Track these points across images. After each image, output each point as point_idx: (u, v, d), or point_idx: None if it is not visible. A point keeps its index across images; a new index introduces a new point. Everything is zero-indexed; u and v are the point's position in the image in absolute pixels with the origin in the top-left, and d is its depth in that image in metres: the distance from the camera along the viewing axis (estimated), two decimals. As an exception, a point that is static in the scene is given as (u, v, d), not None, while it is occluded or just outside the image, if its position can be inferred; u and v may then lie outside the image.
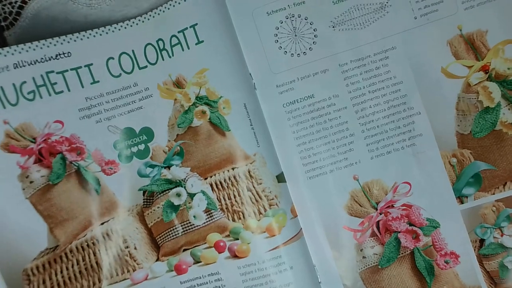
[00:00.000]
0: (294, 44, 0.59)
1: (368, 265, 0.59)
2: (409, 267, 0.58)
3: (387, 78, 0.58)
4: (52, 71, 0.55)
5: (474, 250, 0.58)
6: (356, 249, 0.59)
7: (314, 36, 0.58)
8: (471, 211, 0.58)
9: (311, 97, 0.59)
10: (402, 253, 0.58)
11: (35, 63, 0.54)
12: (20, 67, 0.54)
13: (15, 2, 0.55)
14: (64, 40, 0.55)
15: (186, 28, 0.59)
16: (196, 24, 0.59)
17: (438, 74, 0.57)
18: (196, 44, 0.60)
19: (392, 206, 0.59)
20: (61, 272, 0.56)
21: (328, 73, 0.58)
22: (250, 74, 0.59)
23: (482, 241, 0.58)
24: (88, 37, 0.56)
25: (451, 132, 0.57)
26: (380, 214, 0.59)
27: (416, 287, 0.58)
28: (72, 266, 0.56)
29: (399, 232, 0.58)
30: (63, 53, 0.55)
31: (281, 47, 0.59)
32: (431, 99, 0.57)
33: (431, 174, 0.58)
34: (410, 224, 0.58)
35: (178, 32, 0.59)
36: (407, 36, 0.57)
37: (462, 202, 0.58)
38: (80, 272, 0.56)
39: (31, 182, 0.55)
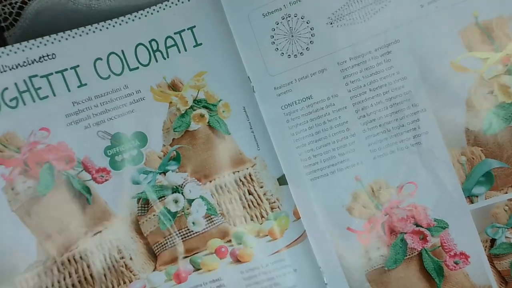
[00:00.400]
0: (290, 45, 0.49)
1: (374, 266, 0.51)
2: (417, 269, 0.51)
3: (390, 74, 0.48)
4: (36, 75, 0.47)
5: (485, 250, 0.50)
6: (361, 251, 0.52)
7: (311, 35, 0.49)
8: (481, 210, 0.50)
9: (309, 98, 0.49)
10: (410, 254, 0.51)
11: (16, 67, 0.46)
12: (1, 72, 0.46)
13: (15, 3, 0.50)
14: (47, 41, 0.47)
15: (184, 30, 0.51)
16: (194, 26, 0.52)
17: (447, 68, 0.48)
18: (194, 46, 0.51)
19: (397, 207, 0.51)
20: (53, 285, 0.48)
21: (326, 73, 0.49)
22: (248, 77, 0.47)
23: (493, 240, 0.51)
24: (73, 37, 0.48)
25: (460, 129, 0.48)
26: (385, 215, 0.51)
27: None
28: (65, 279, 0.49)
29: (405, 233, 0.51)
30: (47, 55, 0.47)
31: (277, 49, 0.49)
32: (438, 95, 0.48)
33: (438, 173, 0.50)
34: (417, 225, 0.51)
35: (174, 33, 0.50)
36: (412, 28, 0.47)
37: (472, 202, 0.50)
38: (73, 285, 0.49)
39: (17, 194, 0.47)
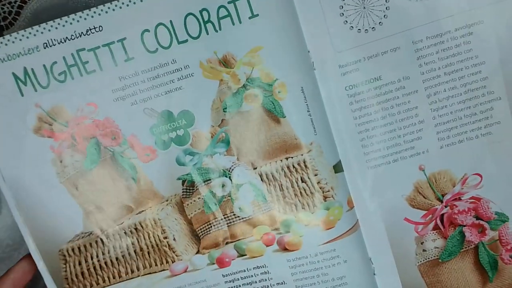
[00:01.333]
0: (362, 18, 0.41)
1: (428, 258, 0.47)
2: (471, 262, 0.47)
3: (468, 57, 0.42)
4: (83, 49, 0.43)
5: None
6: (416, 242, 0.47)
7: (386, 8, 0.41)
8: None
9: (378, 79, 0.43)
10: (466, 247, 0.46)
11: (65, 40, 0.43)
12: (50, 46, 0.43)
13: (15, 2, 0.47)
14: (95, 12, 0.42)
15: None
16: None
17: None
18: (250, 17, 0.43)
19: (459, 199, 0.46)
20: (97, 256, 0.48)
21: (399, 52, 0.42)
22: (308, 51, 0.41)
23: None
24: (120, 7, 0.42)
25: None
26: (446, 207, 0.46)
27: (477, 281, 0.47)
28: (109, 252, 0.48)
29: (465, 226, 0.46)
30: (94, 28, 0.42)
31: (346, 21, 0.42)
32: (517, 83, 0.41)
33: (506, 165, 0.44)
34: (477, 218, 0.46)
35: (228, 2, 0.41)
36: (502, 7, 0.40)
37: None
38: (117, 258, 0.48)
39: (65, 167, 0.45)
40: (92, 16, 0.43)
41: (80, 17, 0.43)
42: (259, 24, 0.42)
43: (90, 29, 0.43)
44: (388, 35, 0.42)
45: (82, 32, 0.43)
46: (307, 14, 0.42)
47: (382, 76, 0.43)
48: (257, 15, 0.42)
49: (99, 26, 0.43)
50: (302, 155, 0.46)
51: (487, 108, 0.43)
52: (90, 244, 0.48)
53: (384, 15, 0.42)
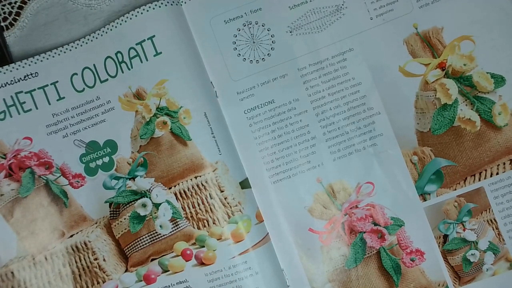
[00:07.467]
0: (252, 51, 0.50)
1: (335, 266, 0.51)
2: (376, 267, 0.51)
3: (346, 80, 0.50)
4: (21, 91, 0.52)
5: (439, 246, 0.50)
6: (322, 251, 0.51)
7: (272, 42, 0.50)
8: (434, 207, 0.50)
9: (271, 102, 0.50)
10: (369, 253, 0.51)
11: (5, 85, 0.52)
12: None
13: (15, 3, 0.51)
14: (31, 61, 0.52)
15: (144, 40, 0.52)
16: (154, 36, 0.52)
17: (396, 73, 0.49)
18: (155, 55, 0.52)
19: (356, 207, 0.51)
20: (30, 280, 0.51)
21: (287, 78, 0.50)
22: (211, 82, 0.50)
23: (445, 236, 0.51)
24: (53, 56, 0.52)
25: (411, 130, 0.50)
26: (345, 215, 0.51)
27: (384, 286, 0.51)
28: (41, 276, 0.52)
29: (364, 232, 0.51)
30: (31, 74, 0.52)
31: (240, 54, 0.50)
32: (390, 99, 0.49)
33: (393, 173, 0.50)
34: (375, 224, 0.51)
35: (136, 44, 0.52)
36: (364, 37, 0.49)
37: (425, 200, 0.50)
38: (49, 282, 0.52)
39: (1, 195, 0.51)
40: (29, 65, 0.53)
41: (19, 65, 0.52)
42: (163, 60, 0.52)
43: (28, 75, 0.53)
44: (276, 64, 0.51)
45: (20, 78, 0.53)
46: (206, 49, 0.51)
47: (275, 99, 0.51)
48: (161, 52, 0.51)
49: (35, 72, 0.53)
50: (208, 173, 0.52)
51: (370, 122, 0.51)
52: (24, 269, 0.52)
53: (271, 48, 0.51)
